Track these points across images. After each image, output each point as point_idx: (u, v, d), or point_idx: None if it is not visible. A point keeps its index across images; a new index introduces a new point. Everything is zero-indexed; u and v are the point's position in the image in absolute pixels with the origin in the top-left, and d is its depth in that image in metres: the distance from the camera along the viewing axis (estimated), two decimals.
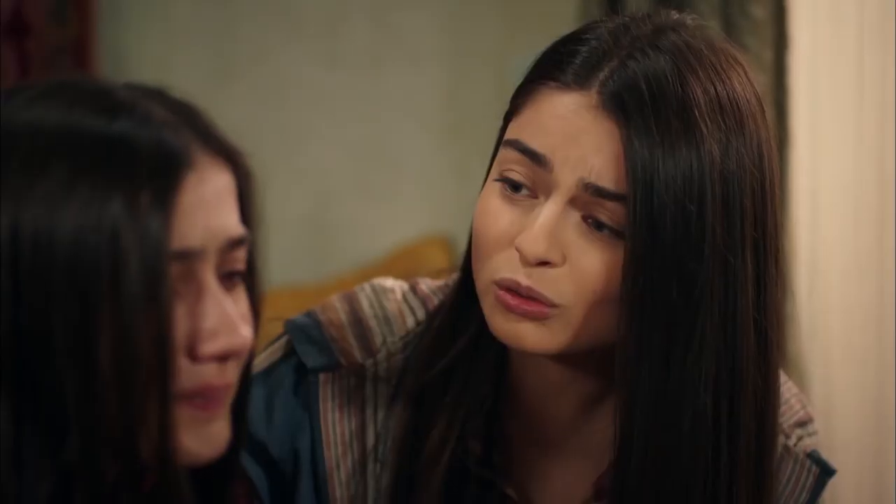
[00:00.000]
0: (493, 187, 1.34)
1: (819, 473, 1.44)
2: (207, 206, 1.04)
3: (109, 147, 1.01)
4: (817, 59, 2.94)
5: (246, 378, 1.12)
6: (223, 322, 1.05)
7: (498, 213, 1.33)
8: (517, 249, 1.30)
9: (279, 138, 3.44)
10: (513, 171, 1.32)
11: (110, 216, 0.99)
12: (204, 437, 1.06)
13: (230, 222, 1.06)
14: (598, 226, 1.30)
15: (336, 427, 1.44)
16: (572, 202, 1.30)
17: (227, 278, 1.07)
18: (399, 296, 1.48)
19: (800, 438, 1.45)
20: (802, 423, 1.46)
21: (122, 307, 0.99)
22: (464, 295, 1.41)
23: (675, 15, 1.36)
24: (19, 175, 1.00)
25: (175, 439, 1.02)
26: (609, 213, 1.29)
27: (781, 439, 1.42)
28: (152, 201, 1.00)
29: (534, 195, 1.32)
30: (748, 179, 1.30)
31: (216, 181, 1.06)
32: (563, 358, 1.37)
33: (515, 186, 1.32)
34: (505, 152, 1.33)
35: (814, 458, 1.45)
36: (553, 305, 1.31)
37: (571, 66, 1.32)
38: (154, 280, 1.00)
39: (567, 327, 1.32)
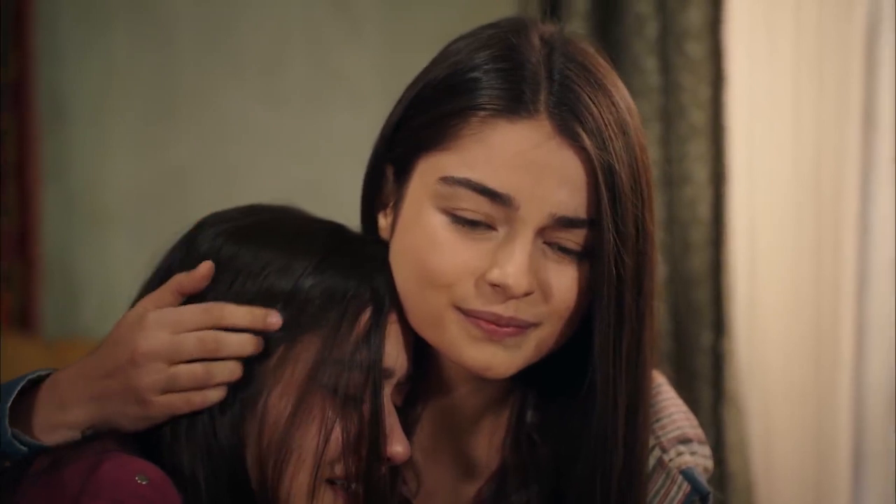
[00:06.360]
0: (436, 219, 1.35)
1: (689, 492, 1.44)
2: (399, 341, 1.39)
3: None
4: (754, 97, 2.97)
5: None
6: (393, 433, 1.38)
7: (454, 247, 1.34)
8: (499, 285, 1.33)
9: (219, 178, 3.42)
10: (465, 209, 1.34)
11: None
12: None
13: (407, 363, 1.40)
14: (562, 250, 1.35)
15: None
16: (539, 233, 1.33)
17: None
18: None
19: (679, 454, 1.46)
20: (686, 441, 1.47)
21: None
22: None
23: (556, 25, 1.39)
24: None
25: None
26: (574, 237, 1.34)
27: (657, 452, 1.45)
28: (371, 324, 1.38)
29: (491, 227, 1.34)
30: (648, 167, 1.38)
31: (398, 326, 1.40)
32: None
33: (471, 223, 1.34)
34: (452, 189, 1.34)
35: (687, 475, 1.45)
36: (531, 325, 1.35)
37: (506, 93, 1.33)
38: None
39: (537, 345, 1.37)
